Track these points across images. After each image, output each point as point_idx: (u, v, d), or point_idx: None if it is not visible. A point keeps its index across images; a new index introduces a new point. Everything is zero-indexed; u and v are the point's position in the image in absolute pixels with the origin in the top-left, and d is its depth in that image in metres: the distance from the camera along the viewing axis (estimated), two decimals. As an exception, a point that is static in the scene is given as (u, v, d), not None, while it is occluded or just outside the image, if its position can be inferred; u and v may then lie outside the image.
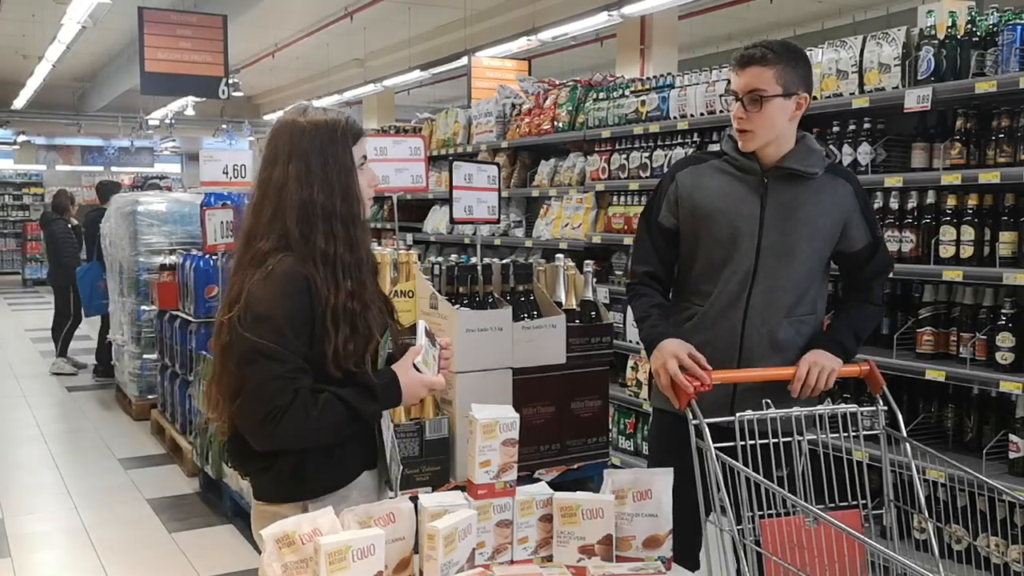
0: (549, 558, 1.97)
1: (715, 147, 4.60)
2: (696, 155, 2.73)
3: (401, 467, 2.19)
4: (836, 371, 2.37)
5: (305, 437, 1.90)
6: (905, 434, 2.29)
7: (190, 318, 5.75)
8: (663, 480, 1.97)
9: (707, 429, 2.08)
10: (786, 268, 2.44)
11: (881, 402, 2.35)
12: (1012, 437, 3.50)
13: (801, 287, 2.48)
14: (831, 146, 4.08)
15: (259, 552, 1.67)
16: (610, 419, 4.39)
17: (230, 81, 10.23)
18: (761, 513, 2.04)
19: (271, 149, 2.00)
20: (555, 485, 2.15)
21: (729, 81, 2.56)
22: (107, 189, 9.18)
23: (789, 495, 1.94)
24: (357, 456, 2.06)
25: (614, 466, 3.73)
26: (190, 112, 17.84)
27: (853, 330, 2.50)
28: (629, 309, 5.10)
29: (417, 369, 2.01)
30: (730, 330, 2.47)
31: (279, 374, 1.86)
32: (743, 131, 2.43)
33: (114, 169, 22.69)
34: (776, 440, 2.15)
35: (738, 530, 2.02)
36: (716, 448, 2.07)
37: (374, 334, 1.99)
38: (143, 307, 7.09)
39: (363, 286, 2.00)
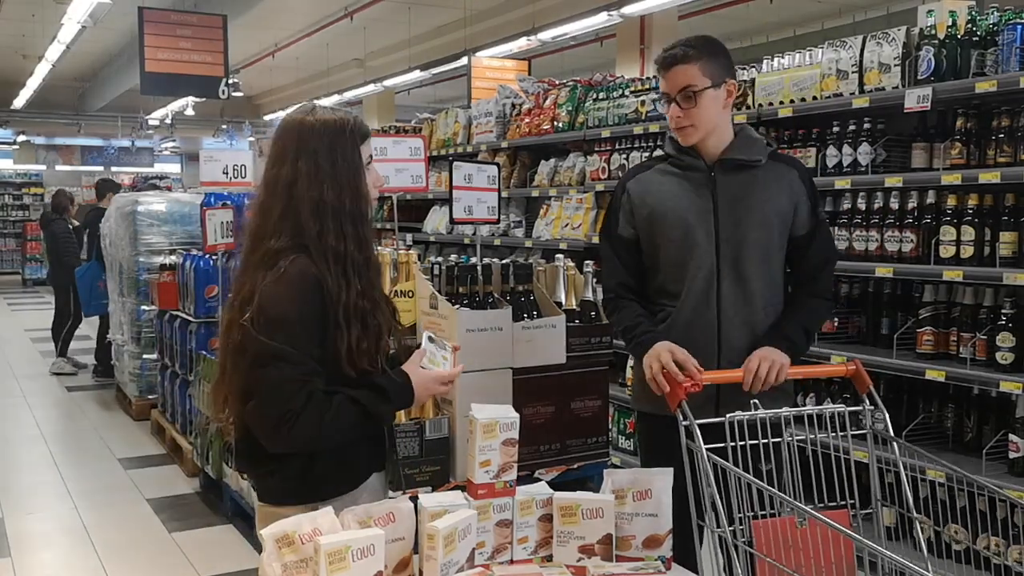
0: (549, 558, 1.97)
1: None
2: (641, 164, 2.79)
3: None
4: (786, 366, 2.37)
5: (319, 439, 1.91)
6: (894, 433, 2.30)
7: (190, 318, 5.75)
8: (663, 480, 1.97)
9: (698, 430, 2.08)
10: (748, 258, 2.49)
11: (868, 402, 2.36)
12: (1012, 437, 3.50)
13: (767, 275, 2.52)
14: (830, 146, 4.09)
15: (259, 552, 1.67)
16: (610, 419, 4.38)
17: (230, 81, 10.22)
18: (753, 514, 2.04)
19: (279, 147, 2.00)
20: (555, 485, 2.15)
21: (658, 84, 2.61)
22: (106, 188, 9.19)
23: (780, 494, 1.95)
24: (366, 458, 2.07)
25: (614, 466, 3.73)
26: (190, 112, 17.84)
27: (802, 326, 2.52)
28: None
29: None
30: (706, 327, 2.50)
31: (293, 377, 1.86)
32: (682, 128, 2.49)
33: (114, 169, 22.68)
34: (765, 440, 2.16)
35: (730, 531, 2.02)
36: (711, 449, 2.07)
37: (384, 332, 2.00)
38: (143, 307, 7.10)
39: (371, 285, 2.01)
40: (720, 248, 2.49)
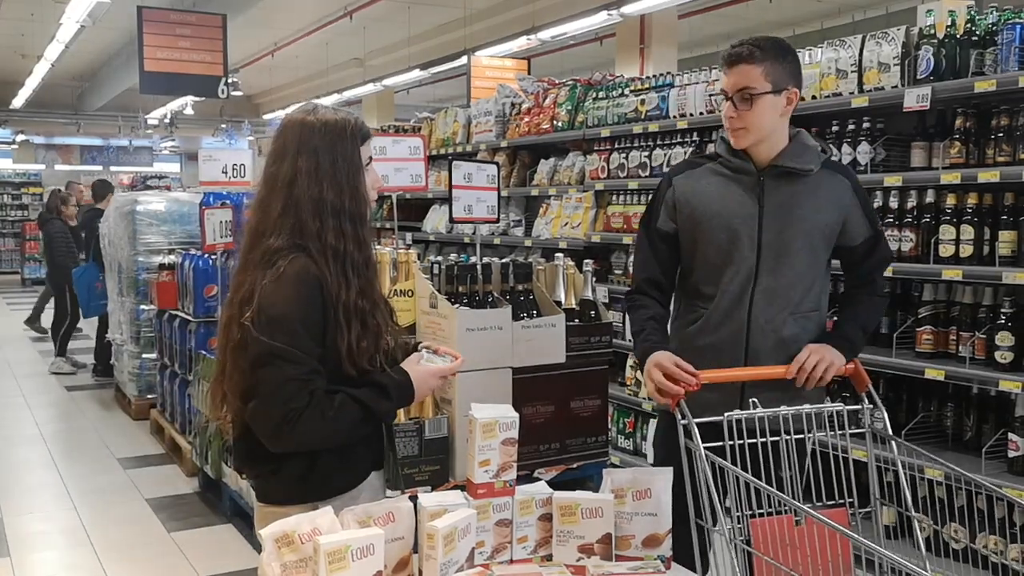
0: (548, 557, 1.97)
1: (714, 146, 4.61)
2: (691, 159, 2.74)
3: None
4: (835, 366, 2.37)
5: (322, 438, 1.91)
6: (892, 432, 2.30)
7: (189, 318, 5.75)
8: (662, 479, 1.97)
9: (696, 429, 2.08)
10: (787, 266, 2.45)
11: (867, 400, 2.36)
12: (1011, 436, 3.50)
13: (803, 284, 2.48)
14: (830, 144, 4.08)
15: (259, 551, 1.67)
16: (609, 418, 4.39)
17: (229, 80, 10.22)
18: (751, 512, 2.04)
19: (279, 144, 2.00)
20: (554, 484, 2.15)
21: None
22: (104, 190, 9.17)
23: (778, 493, 1.95)
24: (366, 457, 2.07)
25: (613, 465, 3.73)
26: (189, 111, 17.83)
27: (860, 325, 2.51)
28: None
29: None
30: (736, 330, 2.47)
31: (294, 376, 1.86)
32: (735, 129, 2.43)
33: (113, 168, 22.68)
34: (765, 440, 2.15)
35: (728, 530, 2.02)
36: (709, 448, 2.07)
37: (383, 331, 2.00)
38: (142, 306, 7.10)
39: (370, 284, 2.02)
40: (761, 254, 2.45)
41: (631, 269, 5.19)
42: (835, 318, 2.63)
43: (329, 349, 1.92)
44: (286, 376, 1.86)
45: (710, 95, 4.74)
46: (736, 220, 2.46)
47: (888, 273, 3.76)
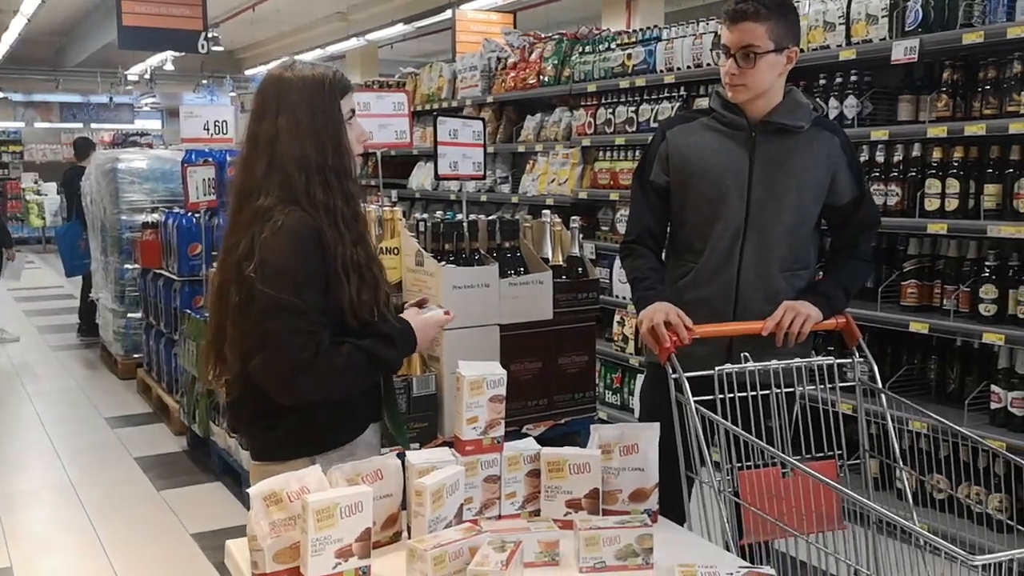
0: (536, 512, 1.99)
1: (702, 101, 4.58)
2: (685, 113, 2.73)
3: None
4: (812, 318, 2.36)
5: (331, 389, 1.92)
6: (881, 385, 2.32)
7: (174, 276, 5.72)
8: (649, 434, 1.98)
9: (687, 383, 2.10)
10: (776, 222, 2.45)
11: (857, 354, 2.37)
12: (994, 388, 3.54)
13: (792, 241, 2.49)
14: (818, 99, 4.06)
15: (248, 509, 1.67)
16: (597, 374, 4.40)
17: (209, 35, 10.03)
18: (740, 465, 2.06)
19: (259, 103, 1.99)
20: (542, 440, 2.16)
21: (717, 35, 2.54)
22: (86, 146, 9.04)
23: (766, 446, 1.97)
24: (364, 408, 2.07)
25: (601, 421, 3.75)
26: (169, 67, 17.55)
27: (841, 285, 2.50)
28: (618, 265, 5.11)
29: None
30: (725, 285, 2.48)
31: (302, 328, 1.86)
32: (734, 85, 2.42)
33: (94, 126, 22.35)
34: (755, 393, 2.17)
35: (717, 481, 2.05)
36: (699, 401, 2.09)
37: (381, 283, 2.00)
38: (126, 266, 7.05)
39: (363, 238, 2.01)
40: (750, 209, 2.45)
41: (618, 225, 5.20)
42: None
43: (331, 301, 1.92)
44: (294, 327, 1.85)
45: (699, 48, 4.70)
46: (727, 174, 2.46)
47: (874, 229, 3.79)
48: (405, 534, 1.87)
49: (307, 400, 1.93)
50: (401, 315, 2.11)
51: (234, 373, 1.97)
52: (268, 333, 1.87)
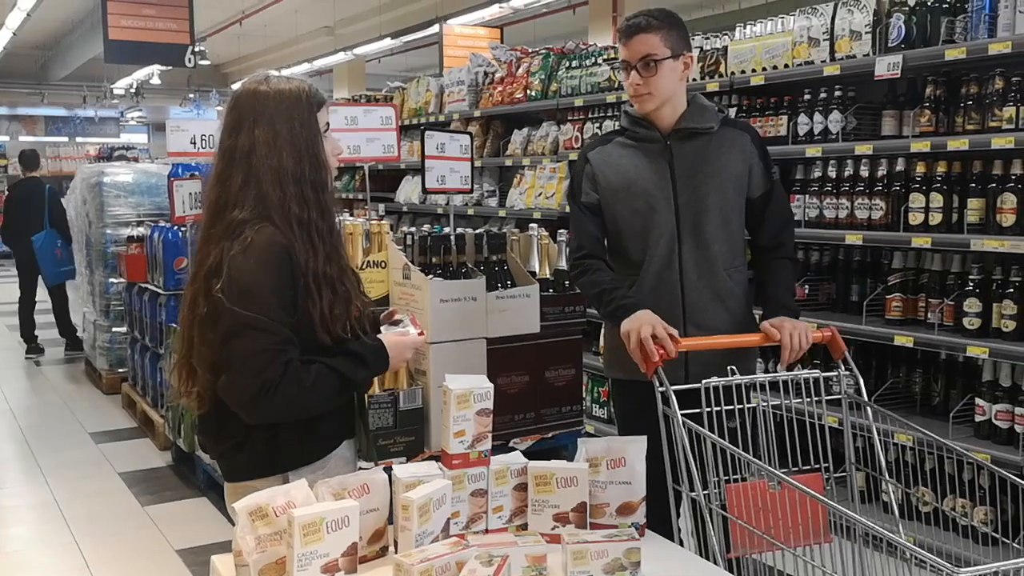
0: (524, 526, 1.98)
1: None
2: (600, 137, 2.84)
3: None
4: (809, 330, 2.40)
5: (299, 409, 1.91)
6: (867, 398, 2.33)
7: (159, 291, 5.68)
8: (637, 448, 1.97)
9: (674, 396, 2.11)
10: (707, 222, 2.54)
11: (843, 367, 2.39)
12: (978, 401, 3.56)
13: (727, 237, 2.57)
14: (801, 114, 4.10)
15: (233, 524, 1.66)
16: (584, 387, 4.40)
17: (196, 49, 10.03)
18: (727, 478, 2.06)
19: (234, 116, 1.98)
20: (529, 454, 2.15)
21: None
22: (32, 157, 8.88)
23: (753, 459, 1.97)
24: (334, 426, 2.06)
25: (588, 434, 3.75)
26: (156, 81, 17.52)
27: (789, 289, 2.58)
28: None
29: None
30: (669, 291, 2.56)
31: (268, 347, 1.85)
32: (640, 96, 2.53)
33: (79, 139, 22.27)
34: (741, 406, 2.18)
35: (704, 495, 2.05)
36: (686, 415, 2.09)
37: (353, 298, 1.99)
38: (111, 279, 7.00)
39: (336, 251, 2.01)
40: (680, 214, 2.55)
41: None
42: (758, 286, 2.64)
43: (302, 318, 1.91)
44: (260, 346, 1.84)
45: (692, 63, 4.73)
46: (651, 185, 2.56)
47: (858, 241, 3.81)
48: (392, 549, 1.86)
49: (274, 419, 1.91)
50: (378, 335, 2.09)
51: (203, 386, 1.96)
52: (234, 352, 1.85)
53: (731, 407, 2.18)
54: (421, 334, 2.17)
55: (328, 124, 2.05)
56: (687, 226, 2.55)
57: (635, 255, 2.60)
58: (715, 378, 2.20)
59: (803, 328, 2.40)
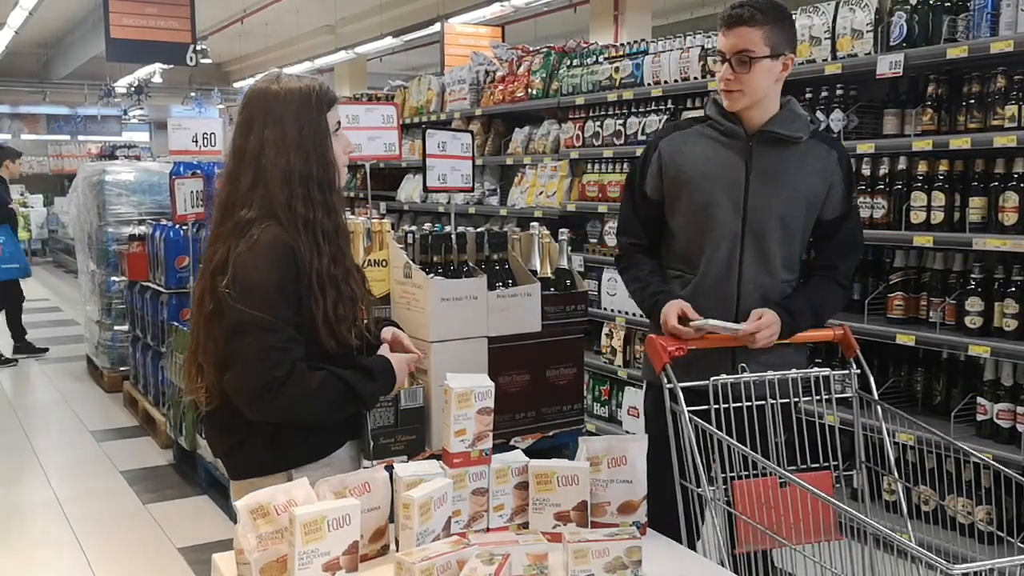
0: (525, 525, 1.98)
1: (689, 113, 4.60)
2: (679, 122, 2.71)
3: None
4: (775, 335, 2.33)
5: (301, 409, 1.91)
6: (877, 397, 2.33)
7: (161, 289, 5.69)
8: (637, 446, 1.98)
9: (681, 393, 2.11)
10: (772, 233, 2.43)
11: (854, 366, 2.37)
12: (980, 400, 3.56)
13: (788, 252, 2.47)
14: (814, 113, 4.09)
15: (235, 522, 1.66)
16: (585, 386, 4.40)
17: (198, 48, 10.03)
18: (735, 475, 2.06)
19: (245, 116, 1.99)
20: (530, 452, 2.15)
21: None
22: (3, 155, 8.75)
23: (760, 458, 1.97)
24: (338, 427, 2.07)
25: (589, 433, 3.75)
26: (158, 80, 17.53)
27: (811, 305, 2.45)
28: (607, 278, 5.12)
29: None
30: (726, 298, 2.45)
31: (274, 345, 1.86)
32: (730, 91, 2.40)
33: (81, 138, 22.30)
34: (750, 404, 2.17)
35: (710, 491, 2.05)
36: (693, 411, 2.09)
37: (358, 299, 2.00)
38: (113, 278, 7.01)
39: (342, 251, 2.02)
40: (747, 219, 2.42)
41: (607, 237, 5.21)
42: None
43: (305, 319, 1.92)
44: (265, 344, 1.85)
45: (687, 62, 4.73)
46: (723, 183, 2.43)
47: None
48: (393, 547, 1.86)
49: (277, 419, 1.93)
50: (379, 354, 2.11)
51: (210, 382, 1.97)
52: (239, 349, 1.87)
53: (739, 404, 2.17)
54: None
55: (339, 123, 2.07)
56: (752, 233, 2.42)
57: (693, 255, 2.49)
58: (723, 375, 2.18)
59: (775, 330, 2.32)
